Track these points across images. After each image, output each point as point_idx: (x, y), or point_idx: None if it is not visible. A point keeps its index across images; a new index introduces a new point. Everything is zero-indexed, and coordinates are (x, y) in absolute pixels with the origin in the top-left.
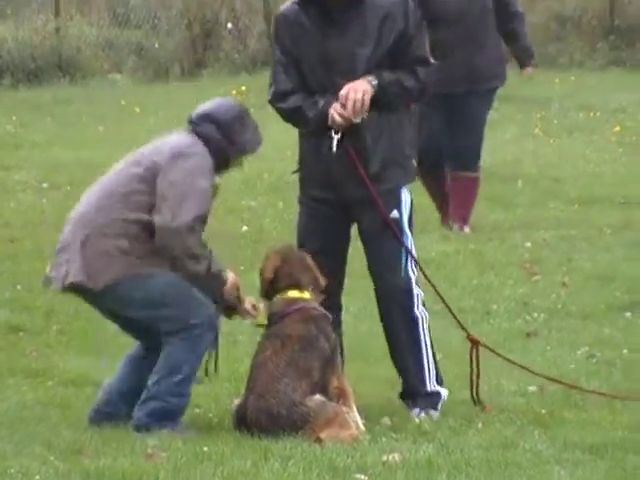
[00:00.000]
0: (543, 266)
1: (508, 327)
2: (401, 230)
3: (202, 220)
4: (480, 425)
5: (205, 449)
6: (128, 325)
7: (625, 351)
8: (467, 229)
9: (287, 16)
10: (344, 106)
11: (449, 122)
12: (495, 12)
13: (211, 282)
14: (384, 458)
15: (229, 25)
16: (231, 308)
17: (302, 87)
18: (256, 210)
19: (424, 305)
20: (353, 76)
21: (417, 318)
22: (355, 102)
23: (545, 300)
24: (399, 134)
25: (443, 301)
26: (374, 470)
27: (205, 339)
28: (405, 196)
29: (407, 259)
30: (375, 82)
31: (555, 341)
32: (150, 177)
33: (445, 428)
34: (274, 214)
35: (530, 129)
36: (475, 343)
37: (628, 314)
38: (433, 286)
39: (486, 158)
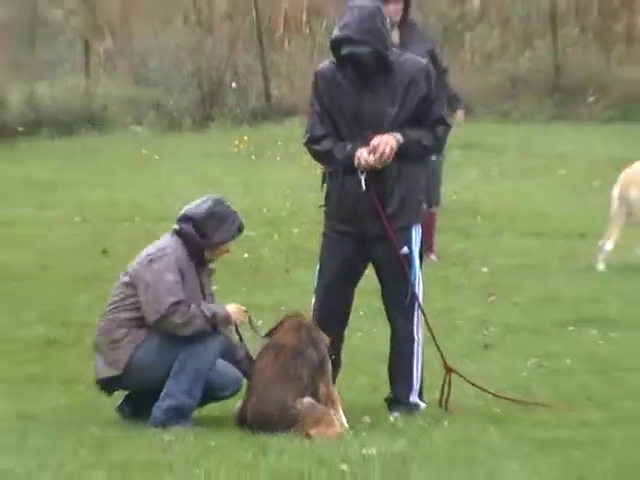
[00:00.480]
0: (499, 288)
1: (469, 340)
2: (411, 263)
3: (178, 302)
4: (446, 424)
5: (213, 443)
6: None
7: (568, 361)
8: (433, 257)
9: (325, 74)
10: (373, 153)
11: None
12: None
13: (215, 324)
14: (363, 451)
15: (233, 84)
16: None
17: (334, 133)
18: (255, 240)
19: (424, 328)
20: (380, 130)
21: (415, 340)
22: (382, 153)
23: (500, 317)
24: (415, 182)
25: (430, 330)
26: (355, 461)
27: (209, 346)
28: (416, 234)
29: (413, 290)
30: (401, 140)
31: (509, 352)
32: (134, 283)
33: (415, 426)
34: (271, 244)
35: (489, 172)
36: (449, 371)
37: (571, 328)
38: (425, 316)
39: (452, 196)
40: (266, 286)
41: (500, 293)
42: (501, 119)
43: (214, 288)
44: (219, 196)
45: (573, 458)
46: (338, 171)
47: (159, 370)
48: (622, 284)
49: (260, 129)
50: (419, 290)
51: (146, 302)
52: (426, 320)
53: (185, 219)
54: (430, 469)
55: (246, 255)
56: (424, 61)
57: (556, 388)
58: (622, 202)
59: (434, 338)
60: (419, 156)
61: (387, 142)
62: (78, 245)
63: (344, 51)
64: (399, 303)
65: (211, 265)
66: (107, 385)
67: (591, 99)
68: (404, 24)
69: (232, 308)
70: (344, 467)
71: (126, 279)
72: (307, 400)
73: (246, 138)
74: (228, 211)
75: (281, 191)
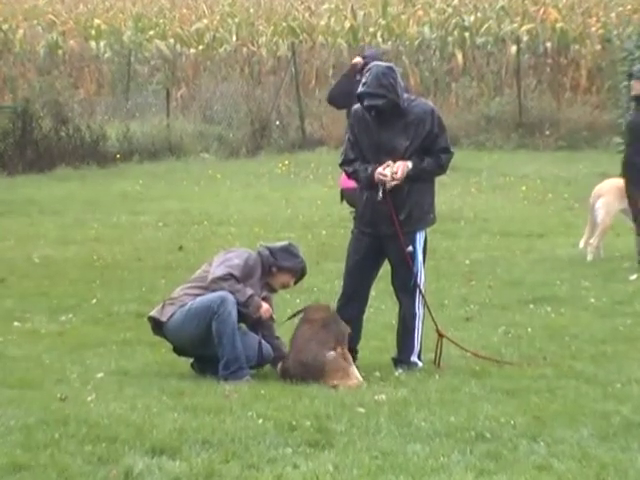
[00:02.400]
0: (477, 275)
1: (454, 314)
2: (415, 258)
3: (232, 275)
4: (437, 377)
5: (262, 392)
6: (187, 341)
7: (529, 329)
8: None
9: (357, 113)
10: (392, 170)
11: None
12: None
13: (248, 306)
14: (375, 397)
15: (277, 122)
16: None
17: (360, 157)
18: (294, 240)
19: (424, 306)
20: (395, 157)
21: (416, 315)
22: (394, 174)
23: (478, 297)
24: (422, 198)
25: (427, 307)
26: (369, 405)
27: (227, 310)
28: (420, 236)
29: (415, 278)
30: (411, 167)
31: (484, 323)
32: (210, 262)
33: (414, 379)
34: (305, 242)
35: (469, 188)
36: (441, 336)
37: (531, 306)
38: (423, 296)
39: (441, 206)
40: None
41: (477, 279)
42: (478, 148)
43: None
44: (295, 243)
45: (531, 402)
46: (363, 187)
47: (184, 329)
48: (569, 272)
49: (297, 156)
50: (420, 278)
51: (212, 269)
52: (425, 301)
53: (264, 246)
54: (425, 411)
55: None
56: (430, 104)
57: (519, 350)
58: (590, 210)
59: (430, 313)
60: (425, 177)
61: (401, 168)
62: (161, 243)
63: (365, 103)
64: (404, 287)
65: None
66: (153, 324)
67: (546, 133)
68: None
69: (266, 306)
70: (361, 409)
71: (207, 267)
72: (332, 354)
73: (287, 162)
74: (298, 253)
75: (313, 203)
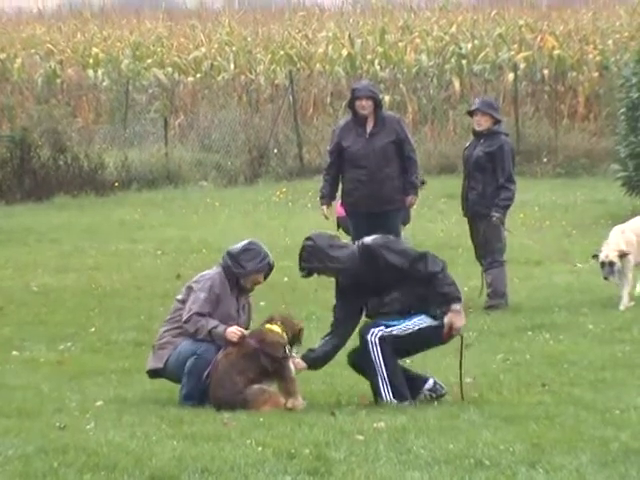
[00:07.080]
0: (475, 303)
1: (453, 341)
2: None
3: (197, 313)
4: (436, 404)
5: (261, 419)
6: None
7: (527, 356)
8: None
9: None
10: None
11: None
12: (396, 155)
13: (214, 339)
14: (374, 425)
15: (275, 150)
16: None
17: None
18: (293, 268)
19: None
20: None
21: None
22: None
23: (476, 324)
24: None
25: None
26: (368, 433)
27: (204, 356)
28: None
29: None
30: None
31: (483, 350)
32: (184, 299)
33: (413, 406)
34: None
35: None
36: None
37: (530, 333)
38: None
39: (439, 234)
40: (301, 302)
41: (475, 306)
42: None
43: (262, 304)
44: (255, 239)
45: (530, 429)
46: None
47: (180, 368)
48: (567, 299)
49: (295, 184)
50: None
51: (185, 309)
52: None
53: (227, 254)
54: (424, 438)
55: (286, 279)
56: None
57: (518, 377)
58: None
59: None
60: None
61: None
62: (160, 271)
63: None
64: None
65: (250, 294)
66: (153, 374)
67: (544, 160)
68: (377, 117)
69: (231, 329)
70: (360, 437)
71: (180, 297)
72: (253, 387)
73: (285, 190)
74: (260, 250)
75: (311, 231)
